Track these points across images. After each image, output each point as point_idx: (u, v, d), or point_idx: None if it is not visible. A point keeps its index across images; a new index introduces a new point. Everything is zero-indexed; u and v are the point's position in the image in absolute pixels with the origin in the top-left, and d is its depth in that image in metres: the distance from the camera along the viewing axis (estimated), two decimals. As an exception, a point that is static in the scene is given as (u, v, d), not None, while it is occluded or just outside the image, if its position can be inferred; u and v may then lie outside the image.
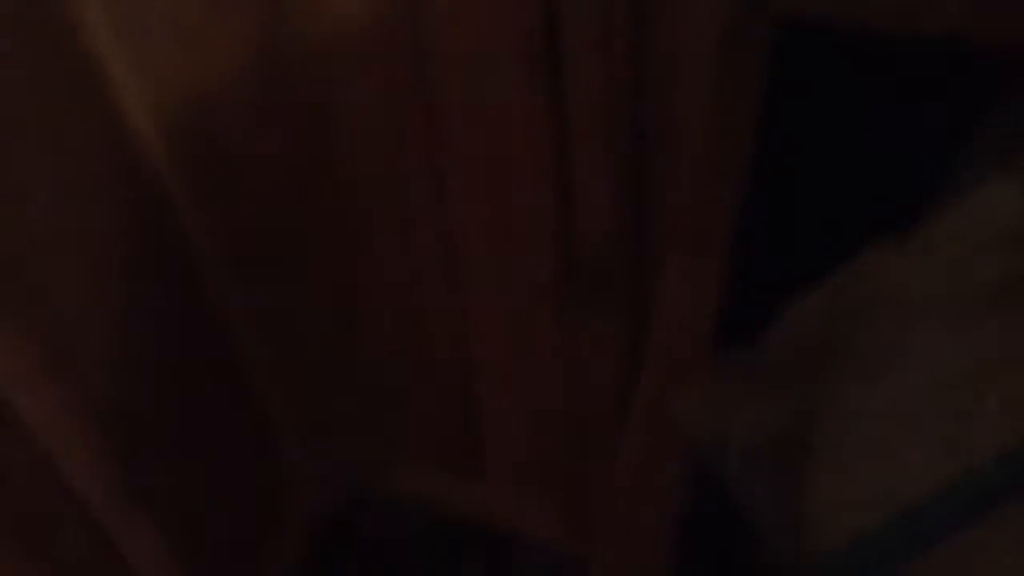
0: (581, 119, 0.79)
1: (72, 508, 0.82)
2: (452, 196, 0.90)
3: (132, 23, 0.78)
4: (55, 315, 0.77)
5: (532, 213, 0.87)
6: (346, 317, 1.07)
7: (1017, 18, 0.61)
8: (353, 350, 1.10)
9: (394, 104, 0.86)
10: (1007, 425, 0.40)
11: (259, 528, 1.15)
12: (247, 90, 0.88)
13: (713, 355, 0.54)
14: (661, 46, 0.76)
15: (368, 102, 0.87)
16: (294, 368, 1.11)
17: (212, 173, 0.91)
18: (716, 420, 0.48)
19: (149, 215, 0.86)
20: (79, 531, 0.83)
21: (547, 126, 0.81)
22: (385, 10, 0.79)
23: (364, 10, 0.80)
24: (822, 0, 0.65)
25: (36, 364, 0.75)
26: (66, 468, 0.80)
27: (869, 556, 0.42)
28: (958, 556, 0.40)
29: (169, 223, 0.89)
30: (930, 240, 0.44)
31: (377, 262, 0.99)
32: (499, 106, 0.82)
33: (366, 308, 1.04)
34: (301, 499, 1.24)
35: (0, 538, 0.74)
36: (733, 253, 0.57)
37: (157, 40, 0.81)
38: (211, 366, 1.00)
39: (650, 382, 0.54)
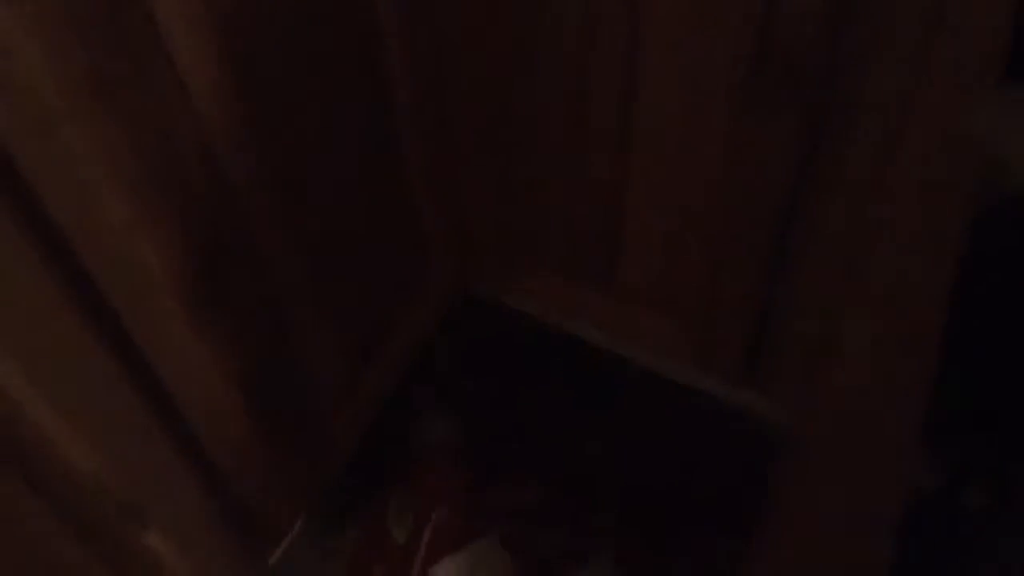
0: None
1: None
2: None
3: None
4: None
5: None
6: (506, 94, 1.02)
7: None
8: (507, 138, 1.07)
9: None
10: None
11: (391, 311, 1.17)
12: None
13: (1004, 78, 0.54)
14: None
15: None
16: (446, 149, 1.10)
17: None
18: (1006, 137, 0.50)
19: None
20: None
21: None
22: None
23: None
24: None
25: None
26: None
27: None
28: None
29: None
30: None
31: (554, 24, 0.92)
32: None
33: (532, 87, 0.99)
34: (431, 289, 1.23)
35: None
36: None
37: None
38: (370, 139, 0.99)
39: (937, 99, 0.52)
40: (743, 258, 0.98)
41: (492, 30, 0.96)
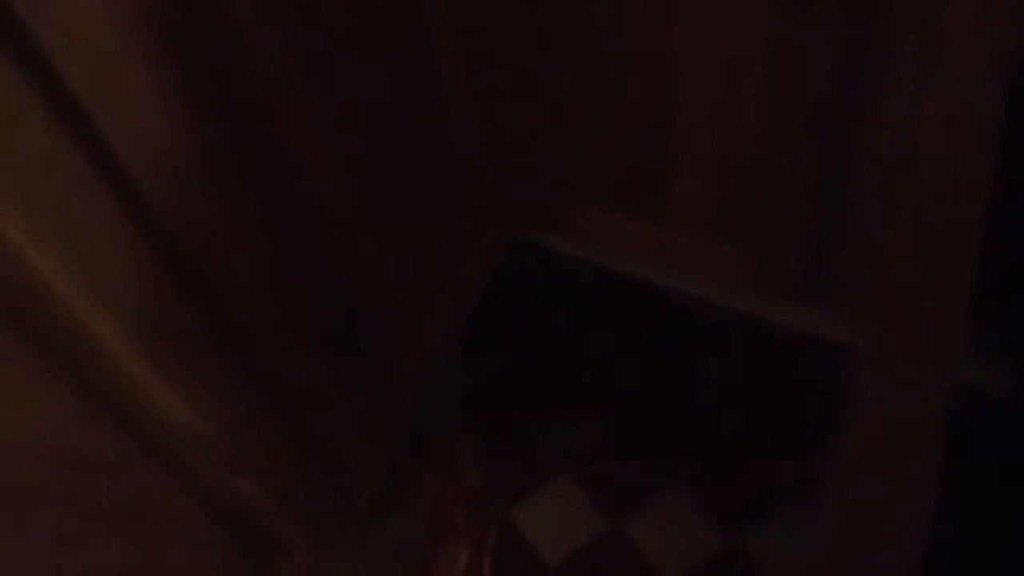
0: None
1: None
2: None
3: None
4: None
5: None
6: (546, 19, 1.02)
7: None
8: (549, 66, 1.06)
9: None
10: None
11: (445, 252, 1.19)
12: None
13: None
14: None
15: None
16: (491, 89, 1.10)
17: None
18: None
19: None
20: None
21: None
22: None
23: None
24: None
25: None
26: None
27: None
28: None
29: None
30: None
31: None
32: None
33: (571, 9, 0.98)
34: (483, 234, 1.26)
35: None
36: None
37: None
38: (418, 80, 1.01)
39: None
40: (795, 168, 0.98)
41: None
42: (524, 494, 1.23)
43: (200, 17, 0.69)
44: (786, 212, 1.02)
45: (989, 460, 0.95)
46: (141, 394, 0.74)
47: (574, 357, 1.33)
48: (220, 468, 0.86)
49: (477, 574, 1.18)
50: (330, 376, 0.99)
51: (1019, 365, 1.05)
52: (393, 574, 1.19)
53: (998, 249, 0.63)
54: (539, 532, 1.20)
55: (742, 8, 0.88)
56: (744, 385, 1.26)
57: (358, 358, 1.04)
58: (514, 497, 1.23)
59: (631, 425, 1.26)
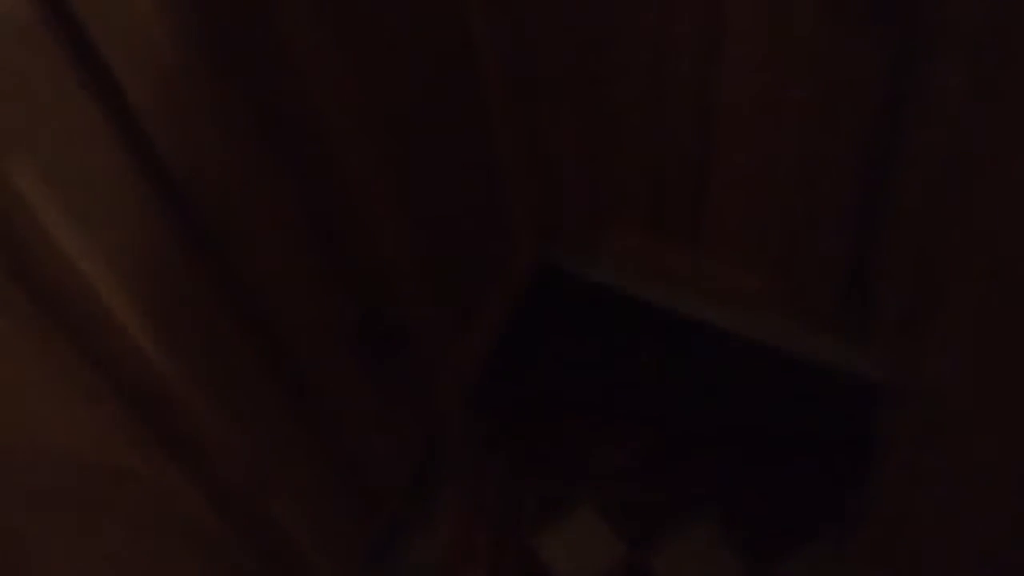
0: None
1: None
2: None
3: None
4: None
5: None
6: (586, 40, 1.01)
7: None
8: (588, 88, 1.05)
9: None
10: None
11: (474, 280, 1.18)
12: None
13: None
14: None
15: None
16: (528, 108, 1.10)
17: None
18: None
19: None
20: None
21: None
22: None
23: None
24: None
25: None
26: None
27: None
28: None
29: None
30: None
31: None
32: None
33: (612, 30, 0.98)
34: (516, 252, 1.26)
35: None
36: None
37: None
38: (457, 97, 1.01)
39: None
40: (835, 194, 0.97)
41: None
42: (546, 520, 1.22)
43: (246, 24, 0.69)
44: (824, 239, 1.02)
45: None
46: (172, 401, 0.74)
47: (601, 383, 1.32)
48: (248, 481, 0.85)
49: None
50: (362, 389, 0.98)
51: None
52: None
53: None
54: (560, 561, 1.19)
55: (783, 31, 0.87)
56: (772, 416, 1.25)
57: (389, 373, 1.04)
58: (536, 523, 1.22)
59: (658, 453, 1.25)
